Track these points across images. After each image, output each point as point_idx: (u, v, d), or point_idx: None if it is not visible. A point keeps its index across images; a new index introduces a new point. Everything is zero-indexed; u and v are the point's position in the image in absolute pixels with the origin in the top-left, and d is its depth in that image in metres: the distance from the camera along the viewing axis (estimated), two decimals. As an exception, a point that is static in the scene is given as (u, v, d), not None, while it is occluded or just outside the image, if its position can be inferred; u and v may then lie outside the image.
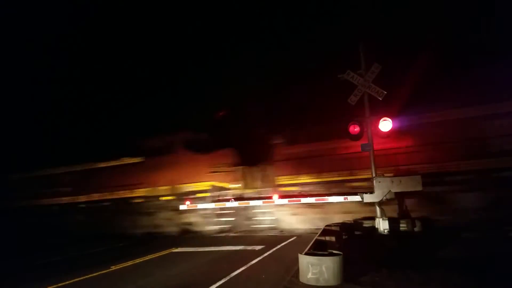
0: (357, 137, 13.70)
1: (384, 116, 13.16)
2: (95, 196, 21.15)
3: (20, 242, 18.97)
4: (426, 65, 14.79)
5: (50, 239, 19.19)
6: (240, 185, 18.49)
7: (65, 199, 22.19)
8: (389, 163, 14.02)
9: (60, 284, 8.99)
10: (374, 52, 13.19)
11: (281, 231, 16.10)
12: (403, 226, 12.51)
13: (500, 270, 7.57)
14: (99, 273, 10.04)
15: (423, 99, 14.04)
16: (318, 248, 8.32)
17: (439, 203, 13.30)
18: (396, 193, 12.23)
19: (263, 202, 16.01)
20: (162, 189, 18.95)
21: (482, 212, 12.36)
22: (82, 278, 9.54)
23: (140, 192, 19.65)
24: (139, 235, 18.82)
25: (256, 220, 17.72)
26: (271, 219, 17.16)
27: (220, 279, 8.17)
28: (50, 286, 8.88)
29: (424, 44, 17.28)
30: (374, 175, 12.38)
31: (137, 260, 11.51)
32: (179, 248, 13.41)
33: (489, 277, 7.17)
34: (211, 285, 7.78)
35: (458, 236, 11.48)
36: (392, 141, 14.21)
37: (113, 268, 10.61)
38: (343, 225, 12.61)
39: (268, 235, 15.17)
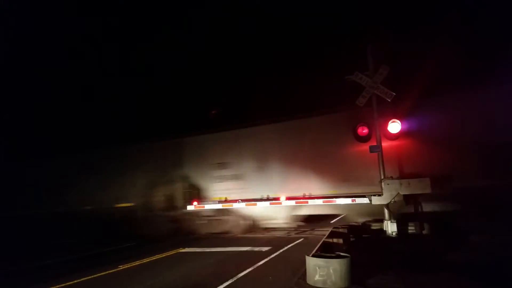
0: (365, 138, 13.71)
1: (393, 118, 13.16)
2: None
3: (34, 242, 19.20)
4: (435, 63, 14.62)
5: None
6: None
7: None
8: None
9: (68, 283, 9.07)
10: (382, 54, 13.16)
11: (288, 232, 16.06)
12: (411, 228, 12.44)
13: (510, 275, 7.47)
14: (107, 272, 10.12)
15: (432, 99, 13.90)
16: (326, 250, 8.29)
17: (448, 205, 13.14)
18: (404, 195, 12.18)
19: (270, 204, 16.01)
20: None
21: (492, 215, 12.20)
22: (90, 277, 9.61)
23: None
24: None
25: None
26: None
27: (227, 280, 8.17)
28: (58, 285, 8.96)
29: (433, 43, 17.09)
30: (382, 177, 12.34)
31: (145, 260, 11.57)
32: (186, 248, 13.45)
33: (498, 281, 7.08)
34: (218, 285, 7.78)
35: (467, 239, 11.35)
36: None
37: (121, 267, 10.68)
38: (351, 227, 12.57)
39: (275, 236, 15.14)
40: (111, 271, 10.27)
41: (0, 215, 22.40)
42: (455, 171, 12.91)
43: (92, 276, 9.66)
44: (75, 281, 9.23)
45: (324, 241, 9.56)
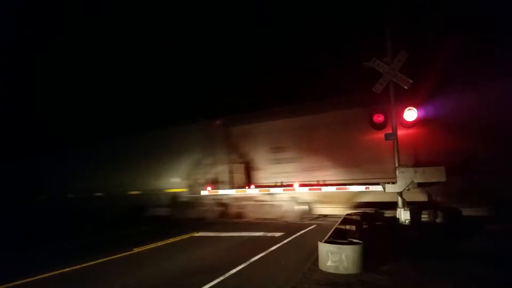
0: (381, 126, 13.54)
1: (409, 105, 12.95)
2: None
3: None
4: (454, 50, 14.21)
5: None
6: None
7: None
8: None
9: (83, 265, 9.28)
10: (401, 39, 12.86)
11: (302, 218, 16.08)
12: (424, 216, 12.36)
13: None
14: (122, 255, 10.32)
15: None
16: (338, 236, 8.31)
17: (463, 193, 12.95)
18: (419, 183, 12.05)
19: (284, 190, 16.05)
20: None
21: (508, 204, 11.98)
22: (104, 259, 9.82)
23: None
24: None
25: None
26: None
27: (240, 264, 8.27)
28: (74, 266, 9.15)
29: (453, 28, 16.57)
30: (397, 165, 12.21)
31: (159, 243, 11.78)
32: (200, 233, 13.64)
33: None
34: (231, 269, 7.89)
35: (481, 227, 11.22)
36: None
37: (136, 250, 10.89)
38: (364, 214, 12.55)
39: (288, 222, 15.21)
40: (125, 253, 10.49)
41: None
42: (471, 160, 12.69)
43: (107, 259, 9.88)
44: (90, 263, 9.43)
45: (336, 227, 9.57)
